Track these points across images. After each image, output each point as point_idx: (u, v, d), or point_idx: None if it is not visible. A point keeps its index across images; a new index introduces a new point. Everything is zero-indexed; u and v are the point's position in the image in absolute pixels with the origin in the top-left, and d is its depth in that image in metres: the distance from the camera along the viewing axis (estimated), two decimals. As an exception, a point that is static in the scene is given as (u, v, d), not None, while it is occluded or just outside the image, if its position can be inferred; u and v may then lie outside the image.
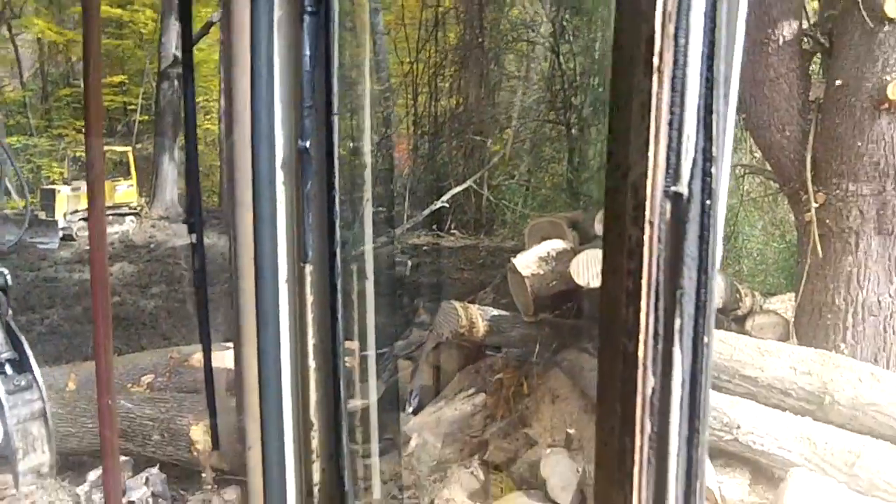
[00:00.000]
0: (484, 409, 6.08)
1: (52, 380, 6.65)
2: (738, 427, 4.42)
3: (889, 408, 4.40)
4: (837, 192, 5.58)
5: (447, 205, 15.66)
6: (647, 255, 0.64)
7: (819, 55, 6.15)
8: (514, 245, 11.51)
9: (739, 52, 0.70)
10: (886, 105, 5.27)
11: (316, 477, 1.03)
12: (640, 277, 0.65)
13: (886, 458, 4.10)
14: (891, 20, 5.18)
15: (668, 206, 0.64)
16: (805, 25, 5.91)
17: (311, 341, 1.02)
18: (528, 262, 6.15)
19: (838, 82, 5.48)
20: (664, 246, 0.64)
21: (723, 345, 5.08)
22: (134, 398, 6.25)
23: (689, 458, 0.66)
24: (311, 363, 1.02)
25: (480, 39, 17.78)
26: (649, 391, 0.66)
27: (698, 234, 0.64)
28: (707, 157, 0.64)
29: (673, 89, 0.63)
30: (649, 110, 0.64)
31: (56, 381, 6.65)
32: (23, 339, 2.29)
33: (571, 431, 5.19)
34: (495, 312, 6.57)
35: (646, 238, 0.64)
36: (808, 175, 5.67)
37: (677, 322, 0.65)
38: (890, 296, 5.54)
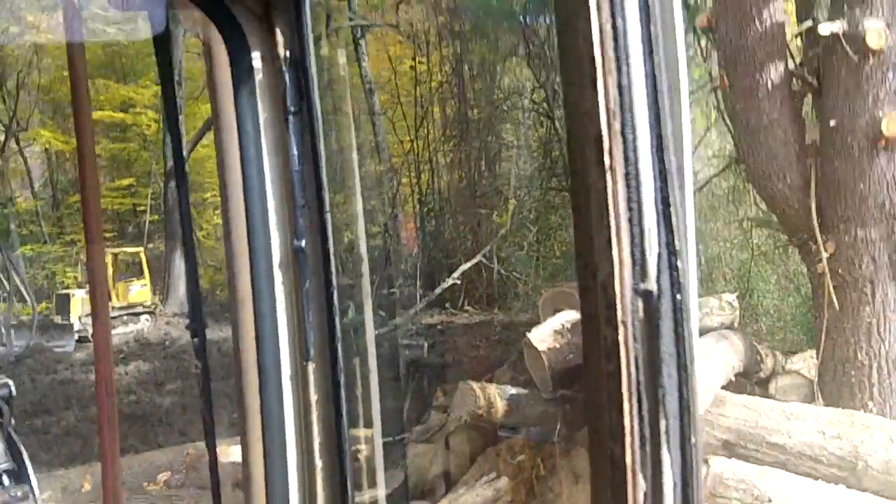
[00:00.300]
0: (507, 494, 5.90)
1: (67, 481, 6.69)
2: (770, 500, 4.23)
3: (924, 468, 4.23)
4: (847, 238, 5.43)
5: (458, 281, 15.63)
6: (625, 355, 0.62)
7: (809, 95, 6.06)
8: (529, 317, 11.42)
9: (689, 137, 0.69)
10: (883, 142, 5.15)
11: (328, 580, 1.00)
12: (620, 379, 0.62)
13: (926, 525, 3.91)
14: (874, 52, 5.09)
15: (640, 304, 0.62)
16: (791, 66, 5.77)
17: (316, 440, 1.01)
18: (543, 336, 6.06)
19: (832, 122, 5.37)
20: (640, 345, 0.62)
21: (748, 410, 4.94)
22: (151, 496, 6.22)
23: (689, 566, 0.62)
24: (318, 462, 1.00)
25: (475, 111, 18.12)
26: (641, 496, 0.62)
27: (673, 330, 0.62)
28: (671, 250, 0.62)
29: (628, 186, 0.62)
30: (607, 209, 0.63)
31: (71, 482, 6.70)
32: (23, 449, 2.27)
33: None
34: (514, 391, 6.43)
35: (621, 338, 0.62)
36: (815, 224, 5.50)
37: (662, 423, 0.62)
38: (914, 345, 5.38)
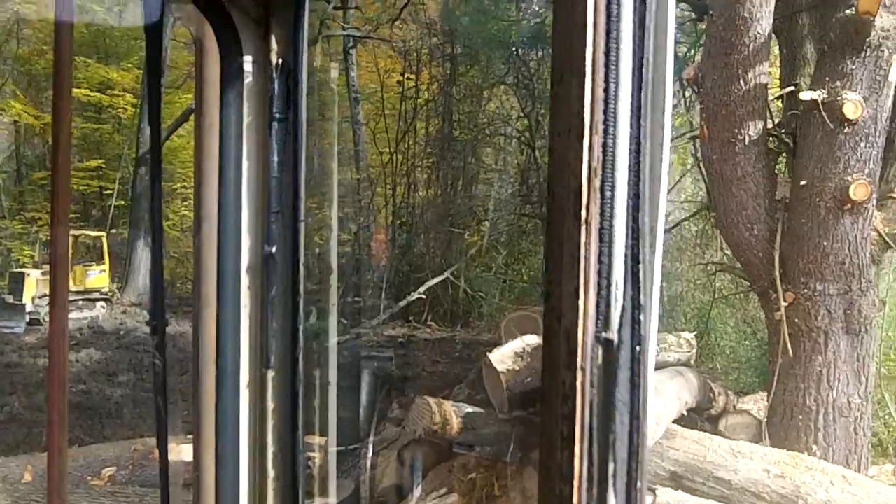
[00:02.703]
0: (456, 511, 5.89)
1: (7, 471, 6.47)
2: (713, 532, 4.34)
3: (861, 512, 4.35)
4: (805, 291, 5.62)
5: (424, 296, 15.62)
6: (580, 399, 0.65)
7: (784, 154, 6.27)
8: (491, 338, 11.45)
9: (664, 201, 0.73)
10: (849, 205, 5.37)
11: (274, 590, 1.00)
12: (574, 422, 0.65)
13: (860, 566, 4.01)
14: (850, 122, 5.32)
15: (600, 352, 0.65)
16: (770, 125, 6.02)
17: (270, 449, 1.00)
18: (503, 357, 6.09)
19: (803, 182, 5.58)
20: (597, 391, 0.65)
21: (697, 445, 5.04)
22: (94, 492, 6.07)
23: None
24: (271, 472, 1.00)
25: (458, 132, 18.22)
26: (585, 536, 0.65)
27: (629, 380, 0.65)
28: (636, 304, 0.65)
29: (601, 240, 0.65)
30: (579, 260, 0.65)
31: (12, 472, 6.47)
32: None
33: (545, 534, 5.02)
34: (469, 409, 6.43)
35: (578, 383, 0.65)
36: (777, 274, 5.70)
37: (611, 467, 0.65)
38: (859, 396, 5.54)
